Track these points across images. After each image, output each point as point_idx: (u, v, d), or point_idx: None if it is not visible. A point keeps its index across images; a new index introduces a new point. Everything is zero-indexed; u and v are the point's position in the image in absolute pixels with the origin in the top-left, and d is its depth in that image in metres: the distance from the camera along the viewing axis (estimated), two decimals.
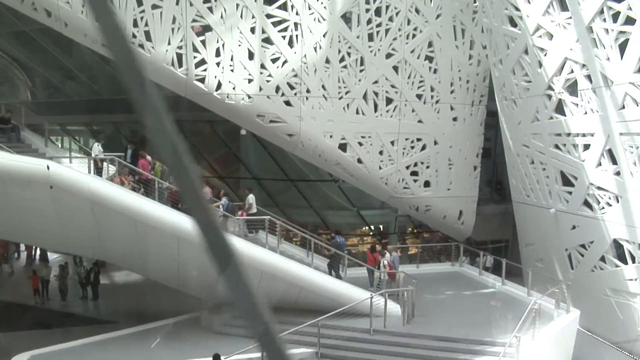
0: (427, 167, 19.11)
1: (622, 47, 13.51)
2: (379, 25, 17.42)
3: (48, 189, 12.17)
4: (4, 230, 15.79)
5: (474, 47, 19.04)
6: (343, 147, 17.55)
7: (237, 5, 15.64)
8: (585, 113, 14.78)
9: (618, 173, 14.21)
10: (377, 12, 17.37)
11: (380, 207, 20.82)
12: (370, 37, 17.38)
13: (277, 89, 16.29)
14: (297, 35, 16.34)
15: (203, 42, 15.41)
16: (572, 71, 14.94)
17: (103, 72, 19.73)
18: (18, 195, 12.67)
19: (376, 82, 17.68)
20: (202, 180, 1.17)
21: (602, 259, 15.11)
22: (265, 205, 17.20)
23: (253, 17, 15.85)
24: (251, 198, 16.00)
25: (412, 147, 18.72)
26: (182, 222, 13.06)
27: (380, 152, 18.18)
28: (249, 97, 15.96)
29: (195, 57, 15.32)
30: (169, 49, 15.04)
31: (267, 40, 16.13)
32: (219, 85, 15.63)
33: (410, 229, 22.72)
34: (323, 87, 16.94)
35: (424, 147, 18.89)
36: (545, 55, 15.59)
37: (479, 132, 19.81)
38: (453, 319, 13.97)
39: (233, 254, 1.11)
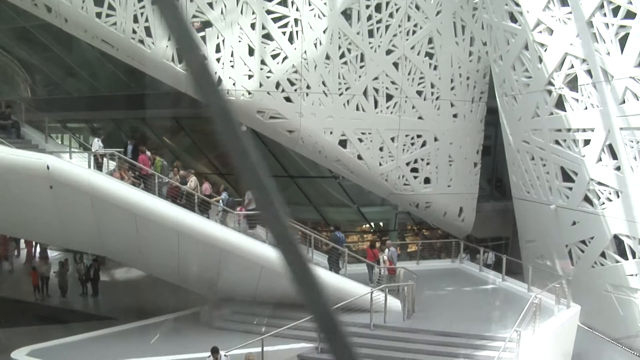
0: (428, 163, 19.09)
1: (623, 42, 13.51)
2: (379, 21, 17.41)
3: (48, 184, 12.17)
4: (4, 225, 15.78)
5: (474, 44, 19.03)
6: (343, 143, 17.54)
7: (238, 1, 15.64)
8: (586, 108, 14.76)
9: (618, 168, 14.19)
10: (377, 8, 17.36)
11: (381, 204, 20.82)
12: (371, 34, 17.38)
13: (277, 85, 16.29)
14: (297, 32, 16.34)
15: (203, 38, 15.41)
16: (572, 66, 14.93)
17: (103, 69, 19.70)
18: (18, 190, 12.67)
19: (376, 78, 17.67)
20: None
21: (603, 254, 15.09)
22: None
23: (253, 13, 15.85)
24: (251, 194, 15.97)
25: (413, 144, 18.71)
26: (182, 216, 13.10)
27: (381, 149, 18.16)
28: (249, 93, 15.96)
29: None
30: (169, 44, 15.04)
31: (267, 36, 16.12)
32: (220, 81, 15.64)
33: (410, 226, 22.71)
34: (323, 83, 16.93)
35: (424, 144, 18.87)
36: (545, 50, 15.58)
37: (479, 128, 19.79)
38: (453, 314, 13.96)
39: (320, 288, 1.14)
